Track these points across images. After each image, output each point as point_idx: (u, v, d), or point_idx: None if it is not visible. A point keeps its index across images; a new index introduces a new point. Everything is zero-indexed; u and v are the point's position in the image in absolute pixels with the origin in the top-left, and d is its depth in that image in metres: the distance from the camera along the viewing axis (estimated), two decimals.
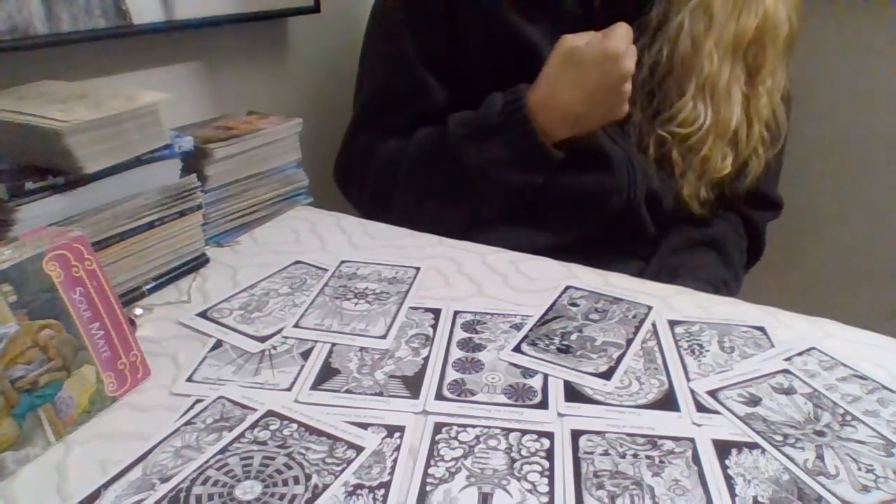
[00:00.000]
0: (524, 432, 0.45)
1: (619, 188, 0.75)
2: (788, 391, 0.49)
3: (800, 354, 0.53)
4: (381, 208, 0.81)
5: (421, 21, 0.78)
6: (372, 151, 0.82)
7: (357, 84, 0.88)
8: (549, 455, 0.43)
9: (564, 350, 0.54)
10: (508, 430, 0.45)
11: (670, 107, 0.76)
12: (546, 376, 0.51)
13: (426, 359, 0.53)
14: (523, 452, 0.43)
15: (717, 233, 0.82)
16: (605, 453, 0.43)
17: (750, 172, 0.79)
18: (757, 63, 0.76)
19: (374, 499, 0.40)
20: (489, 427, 0.45)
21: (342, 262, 0.68)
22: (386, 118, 0.82)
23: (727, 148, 0.76)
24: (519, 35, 0.75)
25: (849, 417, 0.46)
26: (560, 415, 0.47)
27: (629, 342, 0.55)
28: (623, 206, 0.76)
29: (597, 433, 0.45)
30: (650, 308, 0.60)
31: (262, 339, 0.55)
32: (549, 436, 0.45)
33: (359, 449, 0.43)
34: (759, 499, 0.40)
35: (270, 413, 0.46)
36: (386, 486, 0.40)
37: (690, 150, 0.76)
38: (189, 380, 0.51)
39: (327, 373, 0.51)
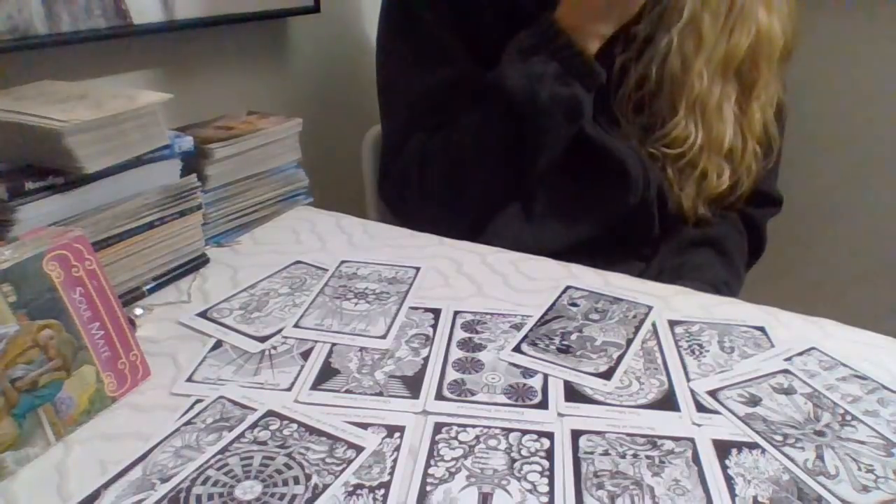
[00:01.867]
0: (524, 432, 0.45)
1: (636, 185, 0.75)
2: (788, 391, 0.49)
3: (800, 354, 0.53)
4: (455, 196, 0.77)
5: (444, 11, 0.77)
6: (436, 144, 0.78)
7: (385, 91, 0.84)
8: (549, 455, 0.43)
9: (564, 350, 0.54)
10: (508, 430, 0.45)
11: (662, 125, 0.75)
12: (546, 376, 0.51)
13: (426, 359, 0.53)
14: (523, 452, 0.43)
15: (717, 232, 0.82)
16: (605, 453, 0.43)
17: (742, 186, 0.79)
18: (751, 79, 0.75)
19: (374, 499, 0.40)
20: (489, 427, 0.45)
21: (342, 262, 0.68)
22: (439, 115, 0.78)
23: (723, 163, 0.76)
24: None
25: (849, 417, 0.46)
26: (560, 415, 0.47)
27: (629, 342, 0.55)
28: (637, 204, 0.76)
29: (597, 433, 0.45)
30: (650, 308, 0.60)
31: (262, 339, 0.55)
32: (549, 436, 0.45)
33: (359, 449, 0.43)
34: (759, 499, 0.40)
35: (270, 413, 0.46)
36: (386, 486, 0.40)
37: (687, 166, 0.76)
38: (189, 380, 0.51)
39: (327, 373, 0.51)
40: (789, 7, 0.75)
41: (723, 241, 0.82)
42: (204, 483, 0.41)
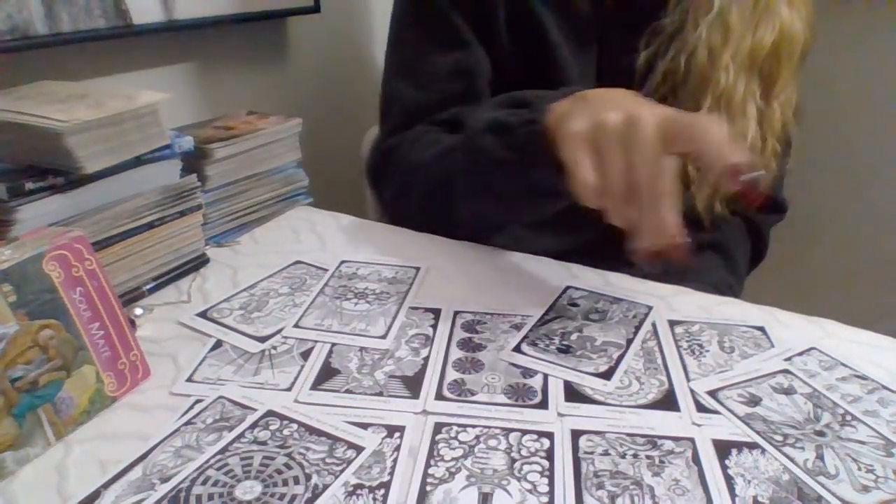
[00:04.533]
0: (524, 432, 0.45)
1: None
2: (788, 391, 0.49)
3: (800, 354, 0.53)
4: (402, 207, 0.77)
5: (456, 6, 0.77)
6: (417, 143, 0.76)
7: (391, 75, 0.82)
8: (549, 455, 0.43)
9: (564, 350, 0.54)
10: (508, 430, 0.45)
11: None
12: (546, 376, 0.51)
13: (426, 359, 0.53)
14: (523, 452, 0.43)
15: (722, 236, 0.82)
16: (605, 453, 0.43)
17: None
18: (772, 77, 0.75)
19: (374, 499, 0.40)
20: (489, 427, 0.45)
21: (342, 262, 0.68)
22: (444, 110, 0.77)
23: None
24: (541, 28, 0.75)
25: (849, 417, 0.46)
26: (560, 415, 0.47)
27: (629, 342, 0.55)
28: None
29: (597, 433, 0.45)
30: (650, 308, 0.60)
31: (262, 339, 0.55)
32: (549, 436, 0.45)
33: (359, 449, 0.43)
34: (759, 499, 0.40)
35: (270, 413, 0.46)
36: (386, 486, 0.40)
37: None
38: (189, 380, 0.51)
39: (327, 373, 0.51)
40: (808, 9, 0.75)
41: (727, 246, 0.82)
42: (204, 483, 0.41)
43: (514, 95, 0.65)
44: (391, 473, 0.41)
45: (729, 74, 0.72)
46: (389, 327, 0.57)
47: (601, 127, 0.50)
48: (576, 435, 0.45)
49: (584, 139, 0.50)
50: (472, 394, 0.49)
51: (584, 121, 0.51)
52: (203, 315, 0.59)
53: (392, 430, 0.45)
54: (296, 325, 0.57)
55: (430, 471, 0.42)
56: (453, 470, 0.42)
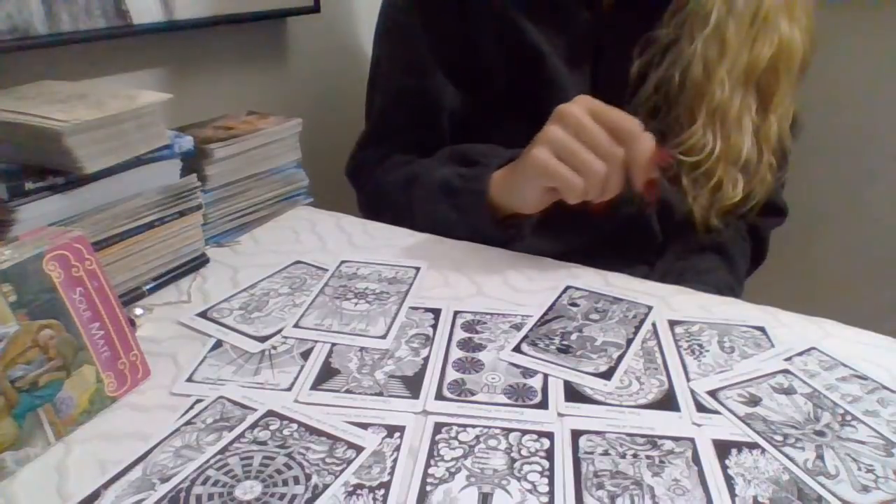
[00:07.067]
0: (524, 432, 0.45)
1: (630, 196, 0.75)
2: (788, 391, 0.49)
3: (800, 354, 0.53)
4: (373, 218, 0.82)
5: (435, 21, 0.78)
6: (379, 168, 0.84)
7: (369, 87, 0.87)
8: (549, 455, 0.43)
9: (564, 350, 0.54)
10: (508, 430, 0.45)
11: (679, 131, 0.75)
12: (546, 376, 0.51)
13: (426, 359, 0.53)
14: (523, 452, 0.43)
15: (723, 238, 0.82)
16: (605, 453, 0.43)
17: (755, 198, 0.78)
18: (769, 91, 0.74)
19: (374, 499, 0.40)
20: (489, 427, 0.45)
21: (342, 262, 0.68)
22: (401, 133, 0.83)
23: (738, 175, 0.76)
24: (527, 40, 0.75)
25: (849, 417, 0.47)
26: (560, 415, 0.47)
27: (629, 342, 0.55)
28: (633, 215, 0.76)
29: (597, 433, 0.45)
30: (650, 308, 0.60)
31: (262, 339, 0.55)
32: (549, 436, 0.45)
33: (359, 449, 0.43)
34: (759, 499, 0.40)
35: (270, 413, 0.46)
36: (386, 486, 0.40)
37: (702, 176, 0.75)
38: (189, 380, 0.51)
39: (327, 373, 0.51)
40: (808, 20, 0.75)
41: (728, 247, 0.82)
42: (204, 483, 0.41)
43: (463, 152, 0.76)
44: (391, 473, 0.41)
45: (724, 89, 0.71)
46: (389, 327, 0.57)
47: (553, 141, 0.61)
48: (576, 435, 0.45)
49: (549, 160, 0.61)
50: (472, 394, 0.49)
51: (541, 152, 0.61)
52: (203, 315, 0.59)
53: (392, 430, 0.45)
54: (296, 325, 0.57)
55: (430, 471, 0.42)
56: (453, 470, 0.42)
